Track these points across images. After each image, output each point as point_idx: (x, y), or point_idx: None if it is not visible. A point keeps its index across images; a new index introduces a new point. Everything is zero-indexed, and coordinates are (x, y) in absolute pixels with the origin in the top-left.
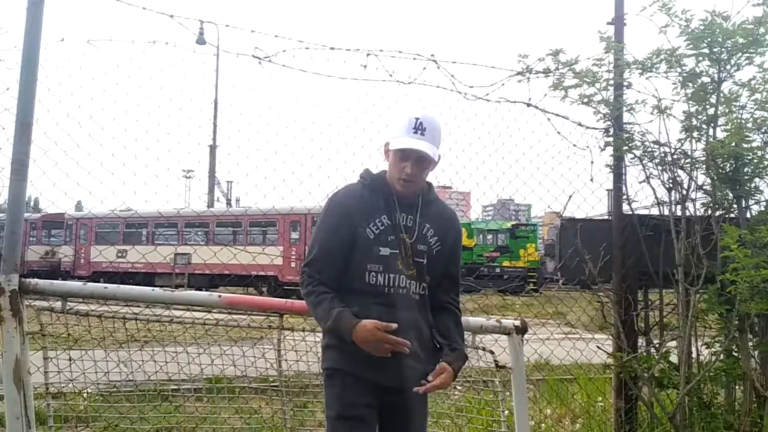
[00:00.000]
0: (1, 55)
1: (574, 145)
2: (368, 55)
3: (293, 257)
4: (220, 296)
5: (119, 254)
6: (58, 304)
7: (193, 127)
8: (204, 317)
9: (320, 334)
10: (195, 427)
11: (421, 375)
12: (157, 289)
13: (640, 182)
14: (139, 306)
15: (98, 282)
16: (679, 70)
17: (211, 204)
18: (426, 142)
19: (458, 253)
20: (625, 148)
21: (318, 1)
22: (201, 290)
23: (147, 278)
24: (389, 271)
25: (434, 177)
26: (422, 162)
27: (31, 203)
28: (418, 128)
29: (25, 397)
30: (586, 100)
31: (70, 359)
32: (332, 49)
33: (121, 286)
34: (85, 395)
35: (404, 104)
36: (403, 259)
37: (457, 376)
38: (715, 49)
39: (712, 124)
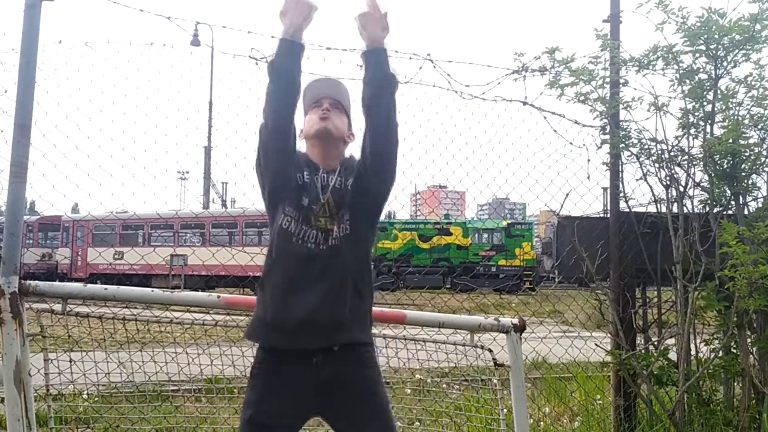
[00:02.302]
0: None
1: (571, 143)
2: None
3: None
4: (219, 297)
5: (116, 256)
6: (58, 306)
7: (190, 128)
8: (203, 318)
9: None
10: (195, 428)
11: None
12: (156, 290)
13: (637, 180)
14: (137, 307)
15: (95, 284)
16: (675, 67)
17: (206, 205)
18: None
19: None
20: (622, 145)
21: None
22: (197, 291)
23: (144, 280)
24: (303, 222)
25: (431, 177)
26: (337, 107)
27: (27, 206)
28: (321, 77)
29: (25, 399)
30: (582, 98)
31: (70, 361)
32: (328, 49)
33: (121, 287)
34: (85, 396)
35: (400, 104)
36: (324, 217)
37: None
38: (712, 46)
39: (710, 121)
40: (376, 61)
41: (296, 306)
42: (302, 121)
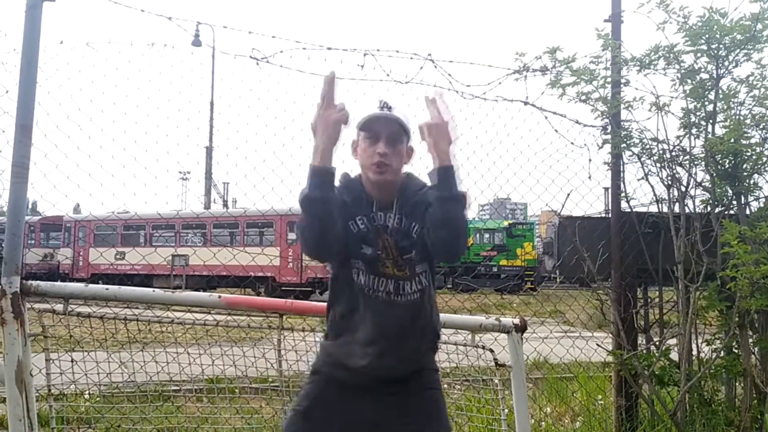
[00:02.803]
0: (0, 57)
1: (572, 143)
2: (365, 54)
3: (290, 258)
4: (220, 297)
5: (117, 256)
6: (59, 306)
7: (191, 128)
8: (204, 318)
9: (321, 334)
10: (196, 428)
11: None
12: (157, 290)
13: (639, 179)
14: (138, 307)
15: (97, 284)
16: (677, 66)
17: (207, 206)
18: (396, 114)
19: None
20: (623, 145)
21: (315, 1)
22: (199, 291)
23: (145, 280)
24: (372, 272)
25: None
26: (396, 140)
27: (29, 206)
28: (385, 107)
29: (27, 399)
30: (583, 97)
31: (72, 361)
32: (329, 49)
33: (122, 287)
34: (86, 396)
35: (401, 104)
36: (389, 261)
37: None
38: (713, 46)
39: (711, 121)
40: (447, 180)
41: (374, 358)
42: (352, 138)
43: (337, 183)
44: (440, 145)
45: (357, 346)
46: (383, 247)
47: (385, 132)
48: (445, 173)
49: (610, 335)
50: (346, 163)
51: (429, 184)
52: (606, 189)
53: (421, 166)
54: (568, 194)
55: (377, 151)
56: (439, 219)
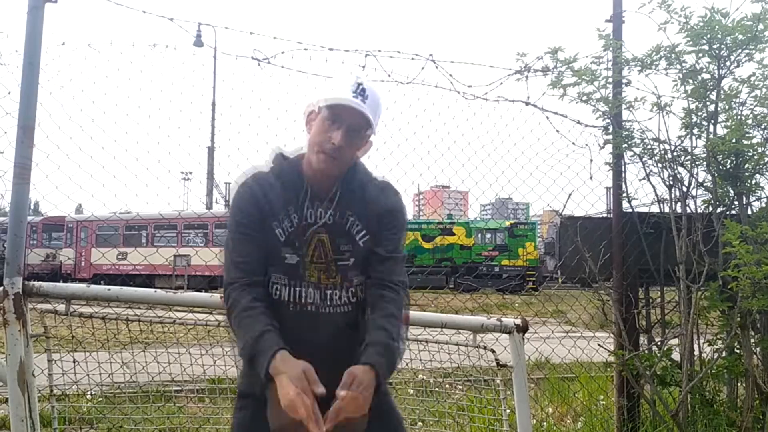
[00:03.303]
0: (2, 59)
1: (573, 143)
2: (366, 55)
3: None
4: (221, 297)
5: (119, 257)
6: (61, 307)
7: (193, 129)
8: (206, 318)
9: None
10: (198, 428)
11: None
12: (159, 290)
13: (640, 180)
14: (140, 308)
15: (99, 284)
16: (678, 66)
17: (210, 206)
18: (367, 108)
19: (393, 227)
20: (625, 145)
21: (316, 2)
22: (200, 291)
23: (147, 280)
24: (295, 284)
25: (433, 177)
26: (355, 134)
27: (31, 206)
28: (359, 92)
29: (29, 400)
30: (584, 98)
31: (74, 361)
32: (330, 49)
33: (124, 287)
34: (88, 397)
35: (403, 104)
36: (320, 266)
37: (377, 389)
38: (715, 46)
39: (713, 121)
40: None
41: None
42: (308, 109)
43: (268, 166)
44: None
45: None
46: (314, 247)
47: (349, 121)
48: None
49: (612, 335)
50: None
51: (378, 178)
52: (607, 189)
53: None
54: (570, 194)
55: (332, 140)
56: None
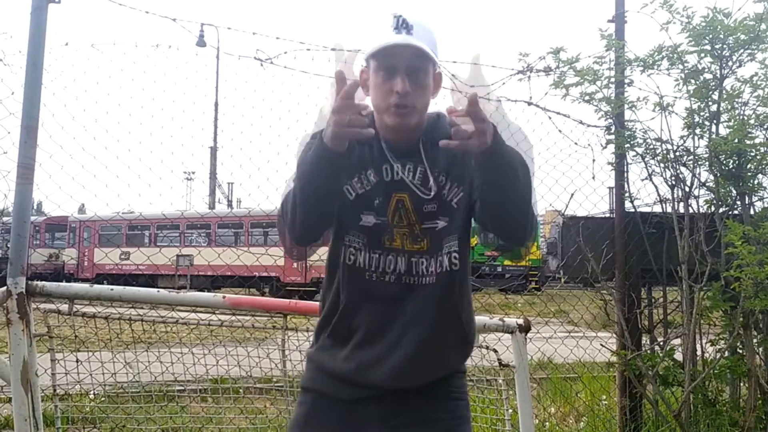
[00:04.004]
0: (6, 59)
1: (576, 144)
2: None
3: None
4: (224, 297)
5: (122, 256)
6: (64, 307)
7: (196, 129)
8: (209, 318)
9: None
10: (201, 428)
11: (429, 370)
12: (162, 290)
13: (643, 180)
14: (143, 307)
15: (102, 284)
16: (681, 67)
17: (212, 206)
18: (417, 39)
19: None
20: (627, 145)
21: (319, 2)
22: (203, 291)
23: (150, 280)
24: (373, 249)
25: None
26: (418, 72)
27: (34, 206)
28: (401, 26)
29: (32, 399)
30: (587, 98)
31: (77, 361)
32: (333, 49)
33: (127, 287)
34: (91, 396)
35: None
36: (402, 230)
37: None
38: (717, 46)
39: (715, 121)
40: (496, 162)
41: (380, 365)
42: (359, 68)
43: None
44: (474, 138)
45: (353, 348)
46: (395, 209)
47: (405, 63)
48: (494, 155)
49: (614, 335)
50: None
51: None
52: (610, 189)
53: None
54: (572, 194)
55: (395, 89)
56: (487, 187)
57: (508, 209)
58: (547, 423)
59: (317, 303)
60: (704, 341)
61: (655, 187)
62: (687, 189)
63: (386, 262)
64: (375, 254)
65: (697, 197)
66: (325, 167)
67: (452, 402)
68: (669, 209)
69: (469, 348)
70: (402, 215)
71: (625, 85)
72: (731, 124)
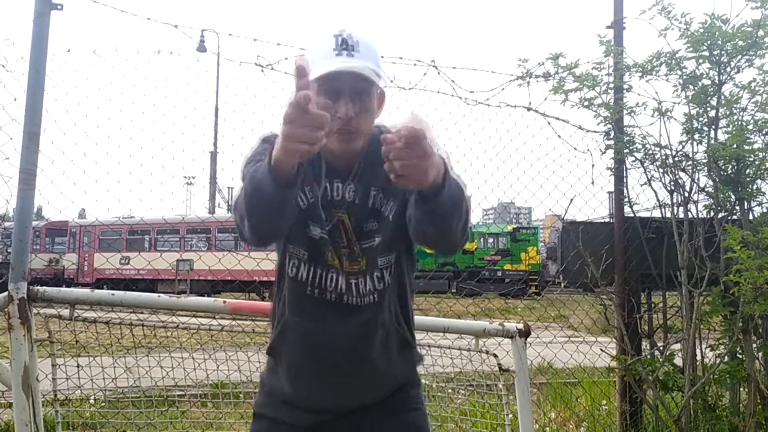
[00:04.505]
0: (8, 66)
1: (575, 149)
2: None
3: None
4: (224, 302)
5: (122, 261)
6: (65, 312)
7: (197, 134)
8: (209, 323)
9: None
10: None
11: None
12: (163, 295)
13: (642, 185)
14: (143, 312)
15: (102, 289)
16: (679, 72)
17: (212, 210)
18: (360, 60)
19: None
20: (626, 150)
21: (319, 9)
22: (203, 296)
23: (150, 285)
24: (315, 263)
25: None
26: (362, 95)
27: (34, 211)
28: (342, 47)
29: (33, 404)
30: (586, 103)
31: (77, 366)
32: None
33: (128, 292)
34: (92, 401)
35: (405, 110)
36: (342, 250)
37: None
38: (715, 52)
39: (713, 126)
40: (440, 200)
41: (323, 389)
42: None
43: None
44: (419, 172)
45: (296, 370)
46: (334, 228)
47: (349, 86)
48: (439, 193)
49: (614, 340)
50: None
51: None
52: (609, 194)
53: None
54: (572, 199)
55: (338, 114)
56: (426, 218)
57: (442, 235)
58: (548, 428)
59: None
60: (704, 346)
61: (654, 192)
62: (686, 194)
63: (327, 279)
64: (318, 269)
65: (696, 202)
66: (273, 194)
67: (411, 413)
68: (668, 214)
69: (414, 358)
70: (342, 234)
71: (624, 91)
72: (730, 129)
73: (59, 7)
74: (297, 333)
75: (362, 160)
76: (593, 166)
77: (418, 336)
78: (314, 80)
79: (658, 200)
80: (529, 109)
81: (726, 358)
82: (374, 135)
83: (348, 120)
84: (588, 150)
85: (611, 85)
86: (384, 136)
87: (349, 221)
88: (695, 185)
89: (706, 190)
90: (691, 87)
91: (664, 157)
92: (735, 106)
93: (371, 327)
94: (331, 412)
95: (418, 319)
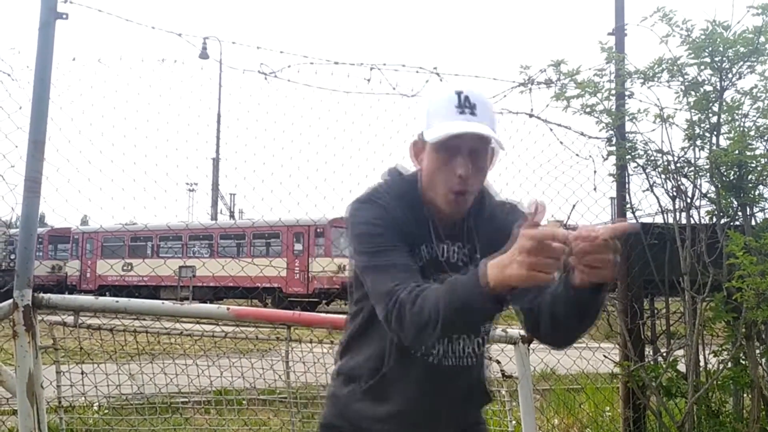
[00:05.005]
0: (14, 74)
1: (577, 155)
2: (372, 68)
3: (297, 269)
4: (228, 309)
5: (125, 268)
6: (70, 319)
7: (200, 142)
8: (212, 330)
9: (327, 345)
10: None
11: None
12: (167, 302)
13: (644, 191)
14: (147, 319)
15: (104, 296)
16: (681, 79)
17: (214, 217)
18: (480, 123)
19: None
20: (628, 157)
21: (322, 17)
22: (206, 302)
23: (153, 291)
24: None
25: None
26: (479, 155)
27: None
28: (465, 106)
29: (38, 411)
30: (588, 109)
31: (82, 373)
32: (336, 63)
33: (132, 299)
34: (96, 408)
35: (407, 117)
36: None
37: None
38: (717, 58)
39: (715, 133)
40: (594, 303)
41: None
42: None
43: (383, 179)
44: (608, 264)
45: (390, 414)
46: None
47: (468, 145)
48: (597, 296)
49: (617, 346)
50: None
51: (511, 202)
52: (611, 200)
53: None
54: (574, 205)
55: (457, 172)
56: (579, 312)
57: (583, 331)
58: None
59: (321, 315)
60: (707, 352)
61: (657, 198)
62: (688, 200)
63: (441, 346)
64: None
65: (698, 208)
66: (482, 309)
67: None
68: (670, 220)
69: (489, 402)
70: None
71: (626, 97)
72: (731, 135)
73: (64, 16)
74: (401, 384)
75: (467, 221)
76: (595, 172)
77: None
78: (433, 143)
79: (660, 206)
80: (531, 115)
81: (729, 364)
82: (477, 196)
83: (466, 179)
84: (590, 156)
85: (613, 92)
86: (576, 233)
87: None
88: (697, 191)
89: (709, 195)
90: (692, 93)
91: (666, 163)
92: (737, 112)
93: (466, 386)
94: None
95: None
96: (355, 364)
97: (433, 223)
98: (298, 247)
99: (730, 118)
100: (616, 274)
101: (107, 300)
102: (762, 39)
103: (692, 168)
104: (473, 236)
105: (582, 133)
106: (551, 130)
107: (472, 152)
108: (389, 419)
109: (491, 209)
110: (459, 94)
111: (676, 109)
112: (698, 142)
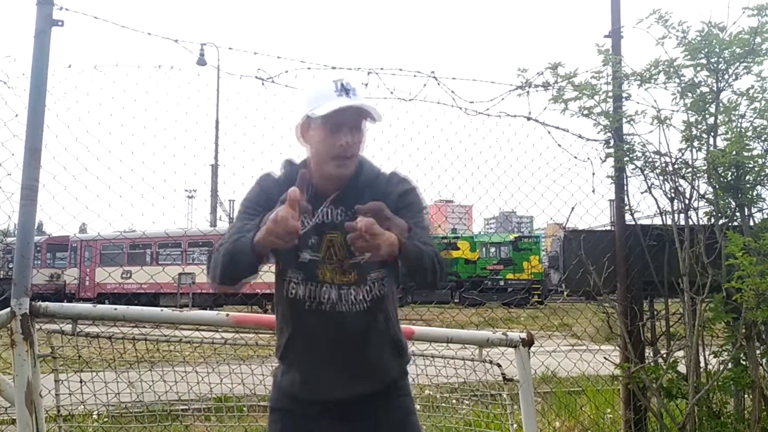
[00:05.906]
0: (9, 82)
1: (575, 157)
2: (369, 73)
3: None
4: (228, 315)
5: (124, 275)
6: (68, 327)
7: (198, 148)
8: (212, 336)
9: None
10: None
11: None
12: (166, 309)
13: (642, 192)
14: (146, 326)
15: (103, 303)
16: (677, 80)
17: (213, 223)
18: (357, 100)
19: (410, 207)
20: (626, 158)
21: (319, 21)
22: (205, 309)
23: (152, 299)
24: (310, 282)
25: (437, 192)
26: (359, 127)
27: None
28: (343, 90)
29: (36, 420)
30: (585, 112)
31: (80, 381)
32: (334, 68)
33: (131, 307)
34: (95, 417)
35: (405, 121)
36: (333, 265)
37: (401, 247)
38: (713, 60)
39: (712, 134)
40: (403, 265)
41: (327, 384)
42: (304, 119)
43: (278, 173)
44: (374, 248)
45: (302, 371)
46: (327, 247)
47: (349, 121)
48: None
49: (617, 348)
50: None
51: (383, 171)
52: (610, 202)
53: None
54: (573, 208)
55: (339, 142)
56: (402, 276)
57: (420, 284)
58: None
59: None
60: (707, 353)
61: (655, 199)
62: (686, 201)
63: (321, 293)
64: (312, 286)
65: (696, 209)
66: (247, 262)
67: (400, 398)
68: (669, 221)
69: (403, 357)
70: (333, 252)
71: (623, 99)
72: (729, 136)
73: (60, 23)
74: (302, 341)
75: (348, 187)
76: (594, 174)
77: (422, 346)
78: (321, 116)
79: (658, 207)
80: (528, 118)
81: (729, 365)
82: (357, 165)
83: (347, 147)
84: (588, 158)
85: (610, 94)
86: (347, 224)
87: (339, 240)
88: (695, 192)
89: (707, 196)
90: (689, 95)
91: (664, 164)
92: (733, 113)
93: (365, 332)
94: (332, 402)
95: (420, 329)
96: (277, 342)
97: (316, 189)
98: None
99: (727, 119)
100: (389, 255)
101: (106, 308)
102: (758, 40)
103: (690, 169)
104: (350, 198)
105: (580, 136)
106: (549, 132)
107: (353, 126)
108: (306, 379)
109: (370, 177)
110: (336, 81)
111: (673, 111)
112: (696, 144)
